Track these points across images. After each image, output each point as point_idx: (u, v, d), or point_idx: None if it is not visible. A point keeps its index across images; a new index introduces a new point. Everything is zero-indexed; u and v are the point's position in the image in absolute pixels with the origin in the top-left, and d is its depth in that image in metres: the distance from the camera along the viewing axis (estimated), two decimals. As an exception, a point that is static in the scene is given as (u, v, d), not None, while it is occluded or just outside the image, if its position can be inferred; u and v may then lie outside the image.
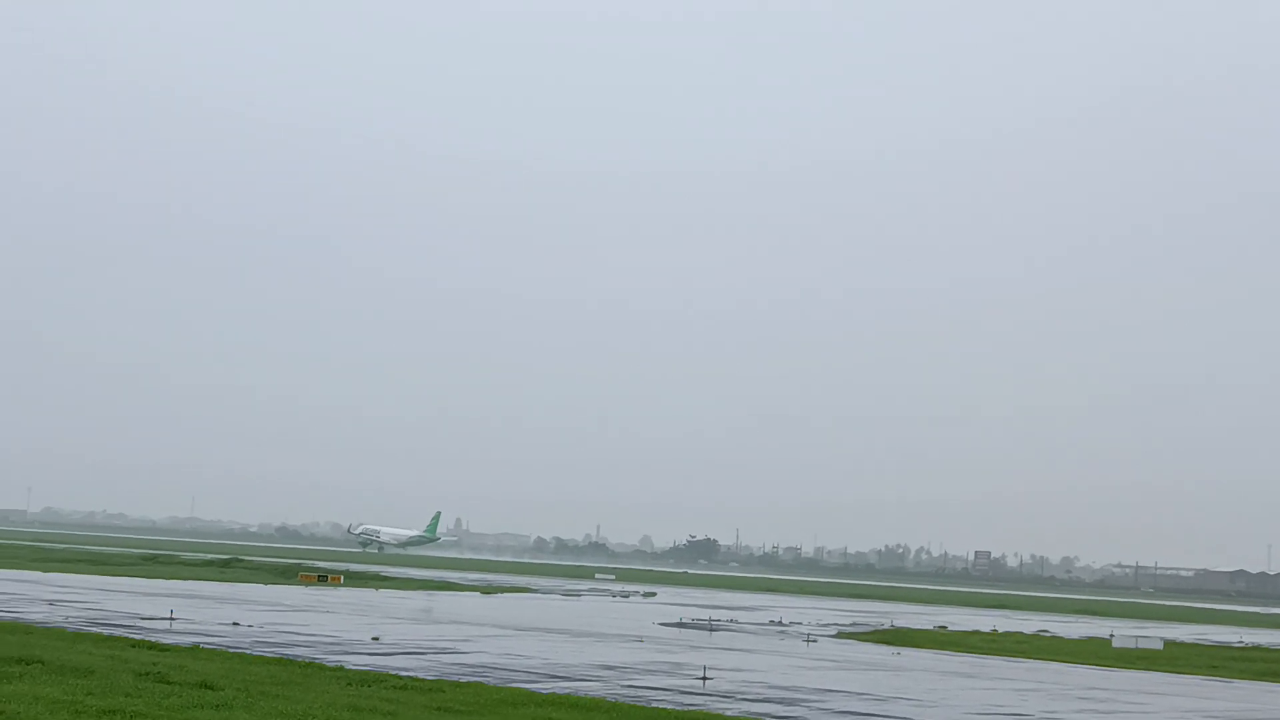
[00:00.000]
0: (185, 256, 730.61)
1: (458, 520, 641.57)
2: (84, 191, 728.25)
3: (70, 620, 67.29)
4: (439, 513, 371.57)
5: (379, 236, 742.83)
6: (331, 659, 54.28)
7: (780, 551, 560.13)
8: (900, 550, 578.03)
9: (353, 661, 54.10)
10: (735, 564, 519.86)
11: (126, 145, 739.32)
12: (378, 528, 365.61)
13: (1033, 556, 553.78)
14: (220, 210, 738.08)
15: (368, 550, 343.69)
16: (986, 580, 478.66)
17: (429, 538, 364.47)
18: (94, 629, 62.28)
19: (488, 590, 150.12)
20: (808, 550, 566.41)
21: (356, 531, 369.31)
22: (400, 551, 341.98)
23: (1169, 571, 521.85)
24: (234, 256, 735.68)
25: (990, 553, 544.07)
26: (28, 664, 43.16)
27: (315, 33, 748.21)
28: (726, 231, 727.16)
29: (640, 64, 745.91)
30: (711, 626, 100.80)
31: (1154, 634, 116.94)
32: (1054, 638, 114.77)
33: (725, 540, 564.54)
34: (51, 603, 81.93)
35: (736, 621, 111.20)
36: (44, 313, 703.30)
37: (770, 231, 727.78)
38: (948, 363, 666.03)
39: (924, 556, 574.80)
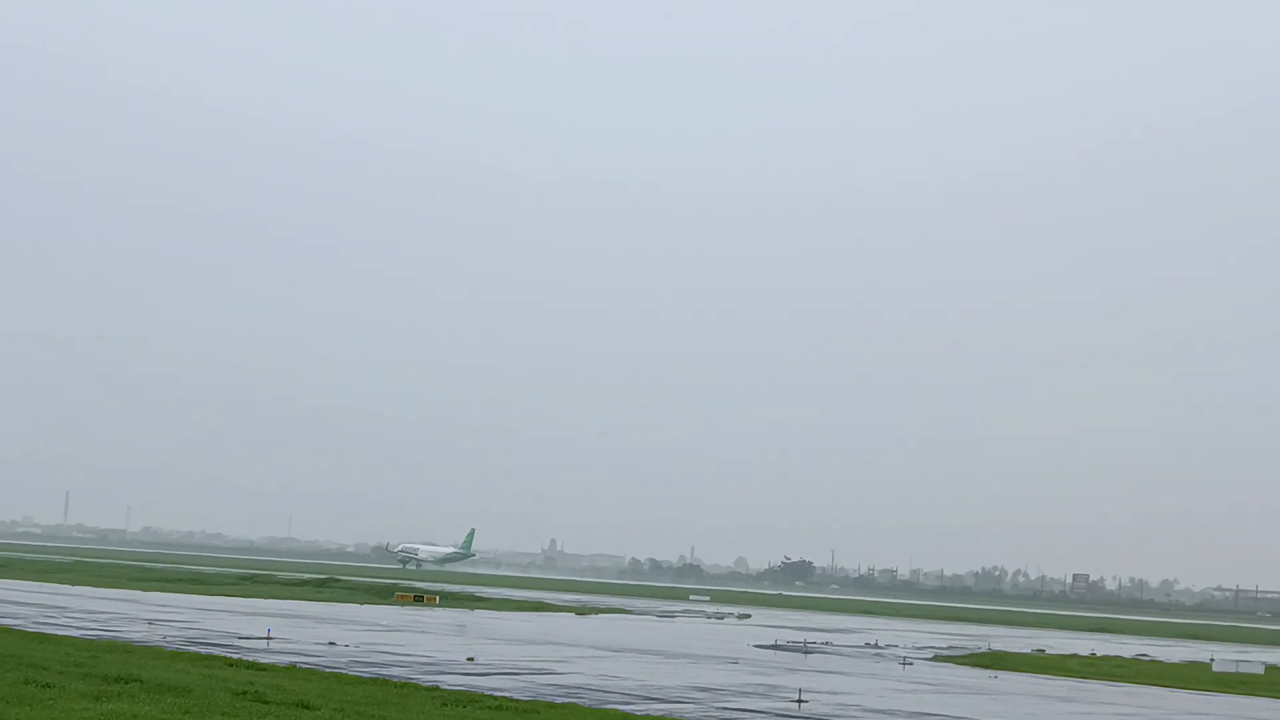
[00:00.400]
0: (279, 283, 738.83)
1: (552, 541, 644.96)
2: (144, 206, 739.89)
3: (168, 639, 67.87)
4: (473, 529, 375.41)
5: (463, 262, 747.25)
6: (427, 679, 54.39)
7: (875, 574, 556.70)
8: (997, 573, 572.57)
9: (448, 682, 54.17)
10: (835, 586, 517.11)
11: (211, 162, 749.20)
12: (416, 545, 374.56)
13: (1131, 579, 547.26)
14: (310, 232, 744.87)
15: (406, 567, 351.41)
16: (1084, 603, 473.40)
17: (465, 554, 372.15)
18: (192, 648, 62.75)
19: (582, 611, 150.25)
20: (903, 572, 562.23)
21: (396, 549, 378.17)
22: (438, 568, 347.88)
23: (1271, 595, 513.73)
24: (329, 282, 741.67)
25: (1088, 575, 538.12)
26: (126, 683, 43.44)
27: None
28: (823, 254, 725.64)
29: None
30: (807, 649, 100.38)
31: (1255, 658, 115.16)
32: (1153, 662, 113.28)
33: (820, 562, 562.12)
34: (150, 622, 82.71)
35: (832, 644, 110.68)
36: (139, 339, 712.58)
37: (866, 252, 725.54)
38: (1044, 383, 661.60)
39: (1021, 579, 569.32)
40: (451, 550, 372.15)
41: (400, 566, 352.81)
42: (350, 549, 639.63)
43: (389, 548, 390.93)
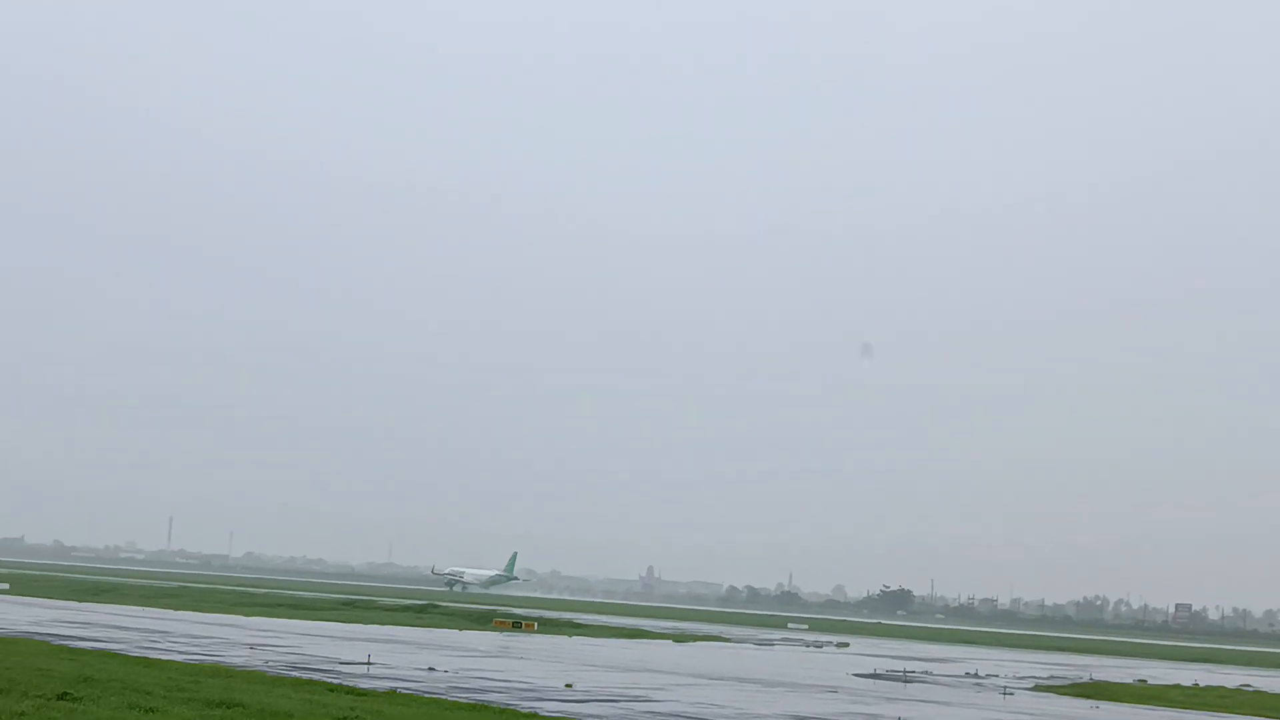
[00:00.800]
0: (374, 327, 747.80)
1: (649, 569, 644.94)
2: (243, 258, 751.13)
3: (270, 664, 68.38)
4: (515, 553, 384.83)
5: (546, 300, 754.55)
6: (525, 705, 54.48)
7: (976, 603, 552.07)
8: (1099, 602, 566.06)
9: (546, 708, 54.23)
10: (940, 615, 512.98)
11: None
12: (461, 569, 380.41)
13: (1235, 609, 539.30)
14: (397, 276, 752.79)
15: (453, 589, 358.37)
16: (1187, 633, 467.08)
17: (508, 577, 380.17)
18: (293, 673, 63.19)
19: (680, 638, 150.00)
20: (1004, 601, 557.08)
21: (444, 573, 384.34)
22: (483, 591, 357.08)
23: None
24: (422, 325, 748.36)
25: (1191, 605, 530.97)
26: (229, 707, 43.84)
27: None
28: (915, 275, 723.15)
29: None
30: (906, 678, 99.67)
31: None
32: (1257, 692, 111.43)
33: (920, 590, 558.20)
34: (252, 646, 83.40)
35: (931, 673, 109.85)
36: (242, 378, 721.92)
37: (978, 273, 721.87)
38: (1144, 409, 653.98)
39: (1123, 608, 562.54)
40: (495, 574, 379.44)
41: (447, 589, 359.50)
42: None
43: (435, 570, 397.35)
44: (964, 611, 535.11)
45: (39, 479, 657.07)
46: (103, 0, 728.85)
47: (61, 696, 42.69)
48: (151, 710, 41.75)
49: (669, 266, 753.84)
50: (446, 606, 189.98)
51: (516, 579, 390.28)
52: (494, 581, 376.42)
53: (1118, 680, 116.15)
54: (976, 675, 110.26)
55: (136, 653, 69.14)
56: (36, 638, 76.00)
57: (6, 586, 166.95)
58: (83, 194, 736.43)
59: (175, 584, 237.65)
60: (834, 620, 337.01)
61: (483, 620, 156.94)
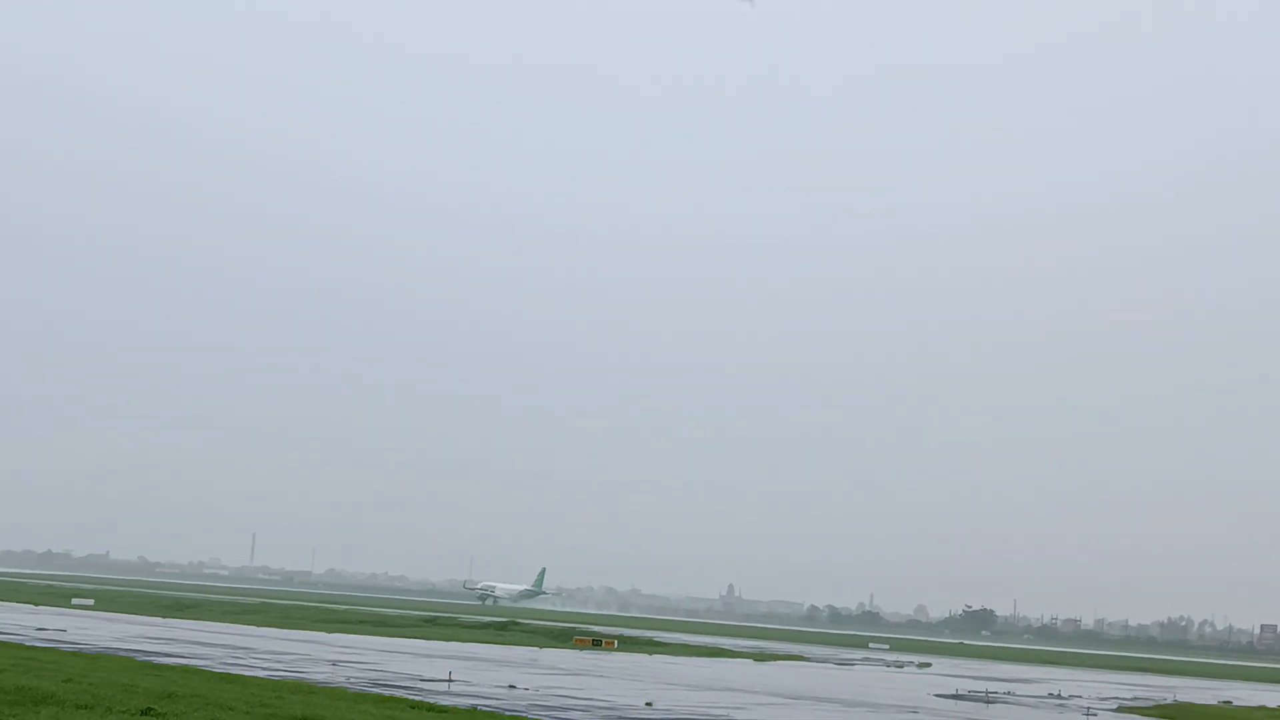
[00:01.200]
0: (454, 351, 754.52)
1: (730, 587, 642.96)
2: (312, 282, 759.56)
3: (352, 680, 68.67)
4: (544, 569, 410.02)
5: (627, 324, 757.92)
6: (605, 724, 54.41)
7: (1059, 623, 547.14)
8: (1183, 623, 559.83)
9: (626, 727, 54.17)
10: (1029, 635, 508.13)
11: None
12: (494, 583, 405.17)
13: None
14: (471, 298, 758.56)
15: (485, 603, 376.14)
16: (1273, 655, 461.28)
17: (537, 591, 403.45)
18: (374, 689, 63.40)
19: (760, 657, 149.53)
20: (1087, 622, 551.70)
21: (476, 587, 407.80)
22: (514, 605, 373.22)
23: None
24: (498, 350, 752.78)
25: (1276, 626, 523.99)
26: (311, 723, 44.05)
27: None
28: (1017, 294, 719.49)
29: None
30: (988, 698, 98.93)
31: None
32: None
33: (1002, 610, 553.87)
34: (334, 663, 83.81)
35: (1013, 694, 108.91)
36: (328, 403, 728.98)
37: (1042, 284, 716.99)
38: (1231, 421, 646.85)
39: (1208, 629, 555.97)
40: (525, 588, 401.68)
41: (480, 603, 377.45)
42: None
43: (467, 585, 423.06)
44: (1047, 632, 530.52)
45: (124, 496, 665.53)
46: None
47: (145, 712, 42.97)
48: (234, 726, 42.02)
49: (739, 283, 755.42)
50: (527, 624, 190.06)
51: (545, 593, 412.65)
52: (524, 596, 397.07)
53: (1202, 702, 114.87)
54: (1059, 696, 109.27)
55: (219, 669, 69.60)
56: (121, 654, 76.67)
57: (92, 602, 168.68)
58: (190, 237, 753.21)
59: (257, 600, 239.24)
60: (915, 640, 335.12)
61: (563, 638, 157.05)
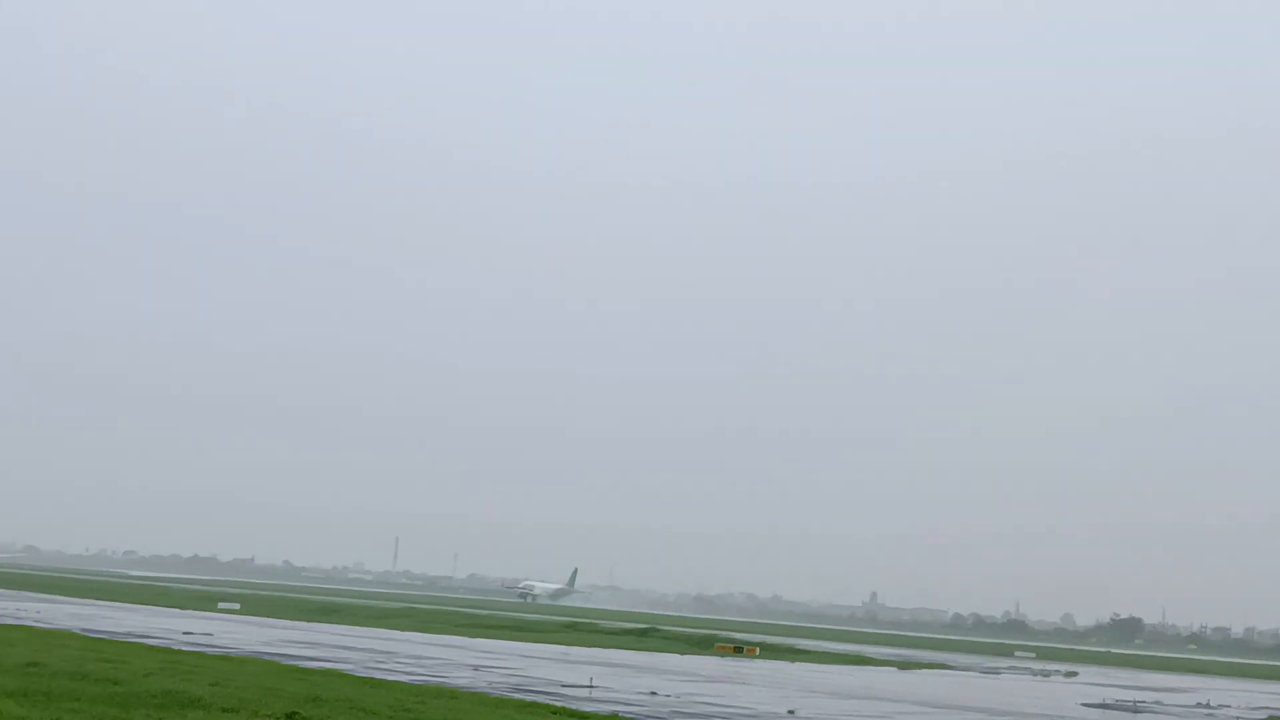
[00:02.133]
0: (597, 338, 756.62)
1: (872, 594, 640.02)
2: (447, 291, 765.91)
3: (493, 685, 68.65)
4: (576, 569, 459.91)
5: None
6: (748, 732, 53.90)
7: (1208, 631, 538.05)
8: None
9: (769, 735, 53.62)
10: (1193, 646, 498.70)
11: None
12: (532, 582, 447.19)
13: None
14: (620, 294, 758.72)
15: (525, 601, 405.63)
16: None
17: (570, 590, 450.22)
18: (516, 694, 63.31)
19: (904, 666, 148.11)
20: (1237, 630, 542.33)
21: (517, 586, 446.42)
22: (551, 603, 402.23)
23: None
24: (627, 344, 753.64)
25: None
26: (453, 728, 43.92)
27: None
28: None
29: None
30: (1136, 708, 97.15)
31: None
32: None
33: (1150, 618, 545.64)
34: (476, 668, 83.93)
35: (1162, 703, 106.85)
36: (476, 401, 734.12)
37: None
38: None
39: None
40: (559, 587, 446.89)
41: (520, 600, 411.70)
42: (670, 598, 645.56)
43: (505, 584, 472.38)
44: (1196, 640, 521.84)
45: (269, 500, 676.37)
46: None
47: (289, 716, 43.15)
48: (377, 731, 42.01)
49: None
50: (667, 630, 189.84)
51: (579, 592, 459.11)
52: (559, 594, 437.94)
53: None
54: (1208, 705, 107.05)
55: (363, 673, 69.87)
56: (266, 657, 77.27)
57: (238, 606, 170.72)
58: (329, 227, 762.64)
59: (400, 604, 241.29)
60: (1061, 649, 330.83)
61: (704, 645, 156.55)
